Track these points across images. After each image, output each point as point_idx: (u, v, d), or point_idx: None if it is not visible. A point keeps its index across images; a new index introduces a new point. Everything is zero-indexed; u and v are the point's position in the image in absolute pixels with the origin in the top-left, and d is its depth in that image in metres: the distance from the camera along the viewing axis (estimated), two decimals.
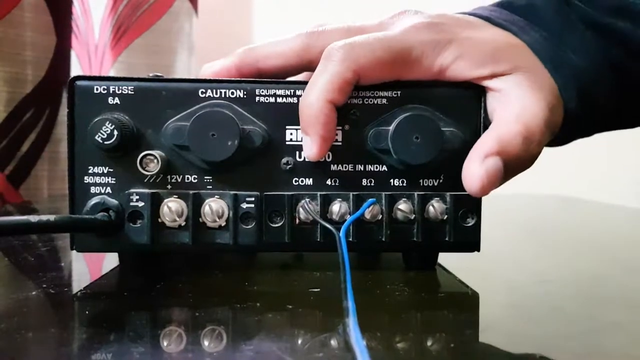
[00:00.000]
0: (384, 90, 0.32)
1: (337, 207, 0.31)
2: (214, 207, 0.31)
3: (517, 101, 0.32)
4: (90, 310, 0.27)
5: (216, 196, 0.31)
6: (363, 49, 0.30)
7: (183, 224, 0.31)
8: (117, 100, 0.31)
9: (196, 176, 0.32)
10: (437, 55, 0.32)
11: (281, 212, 0.32)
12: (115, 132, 0.30)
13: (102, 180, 0.31)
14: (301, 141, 0.32)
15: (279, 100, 0.32)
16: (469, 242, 0.33)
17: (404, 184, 0.32)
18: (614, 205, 0.84)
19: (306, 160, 0.32)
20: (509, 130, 0.31)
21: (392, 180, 0.32)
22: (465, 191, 0.32)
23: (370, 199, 0.31)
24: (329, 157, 0.32)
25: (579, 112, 0.34)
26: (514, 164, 0.31)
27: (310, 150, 0.31)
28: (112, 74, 0.89)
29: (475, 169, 0.30)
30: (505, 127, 0.31)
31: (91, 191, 0.31)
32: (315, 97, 0.30)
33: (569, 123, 0.34)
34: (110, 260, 0.35)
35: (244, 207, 0.31)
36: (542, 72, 0.33)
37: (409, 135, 0.31)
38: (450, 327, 0.25)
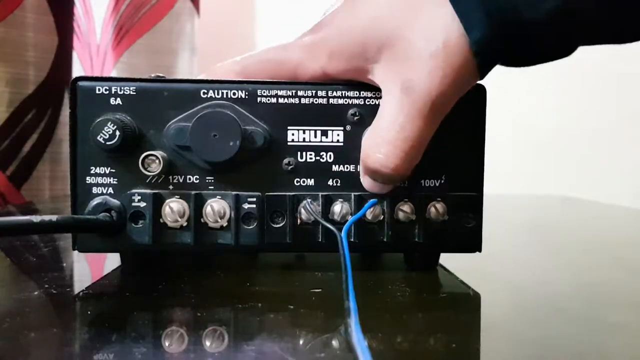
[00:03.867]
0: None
1: (338, 208, 0.31)
2: (216, 208, 0.31)
3: (381, 111, 0.30)
4: (92, 311, 0.27)
5: (218, 196, 0.31)
6: (252, 61, 0.33)
7: (185, 224, 0.31)
8: (119, 100, 0.31)
9: (198, 177, 0.32)
10: (314, 59, 0.31)
11: (283, 213, 0.32)
12: (117, 133, 0.30)
13: (104, 180, 0.31)
14: (302, 142, 0.32)
15: (281, 100, 0.32)
16: (470, 242, 0.33)
17: (406, 185, 0.32)
18: (615, 205, 0.84)
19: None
20: (368, 155, 0.30)
21: None
22: (466, 192, 0.32)
23: (371, 200, 0.31)
24: (330, 158, 0.32)
25: (500, 37, 0.28)
26: (392, 181, 0.30)
27: None
28: (113, 74, 0.89)
29: (361, 179, 0.32)
30: (365, 152, 0.30)
31: (93, 191, 0.31)
32: None
33: (501, 49, 0.29)
34: (112, 261, 0.35)
35: (246, 207, 0.31)
36: (424, 25, 0.28)
37: None
38: (452, 327, 0.25)
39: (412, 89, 0.28)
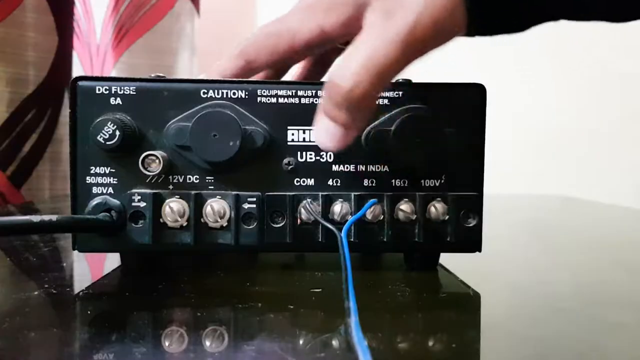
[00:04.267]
0: (385, 90, 0.32)
1: (338, 208, 0.31)
2: (216, 208, 0.31)
3: (358, 35, 0.29)
4: (92, 310, 0.27)
5: (218, 196, 0.31)
6: (251, 40, 0.34)
7: (185, 224, 0.31)
8: (119, 100, 0.31)
9: (198, 176, 0.32)
10: (311, 18, 0.32)
11: (283, 213, 0.32)
12: (117, 133, 0.30)
13: (104, 180, 0.31)
14: (302, 141, 0.32)
15: (281, 100, 0.32)
16: (471, 242, 0.33)
17: (405, 185, 0.32)
18: (615, 205, 0.84)
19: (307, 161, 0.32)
20: (332, 73, 0.29)
21: (393, 181, 0.32)
22: (467, 191, 0.32)
23: (371, 200, 0.31)
24: (330, 157, 0.32)
25: None
26: (351, 103, 0.28)
27: None
28: (113, 74, 0.89)
29: (314, 131, 0.30)
30: (330, 72, 0.29)
31: (93, 191, 0.31)
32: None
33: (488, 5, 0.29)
34: (112, 261, 0.35)
35: (246, 207, 0.31)
36: None
37: (410, 135, 0.31)
38: (452, 327, 0.25)
39: (392, 13, 0.28)
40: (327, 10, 0.32)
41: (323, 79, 0.31)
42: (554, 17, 0.32)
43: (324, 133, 0.29)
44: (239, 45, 0.35)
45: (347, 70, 0.28)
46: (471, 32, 0.31)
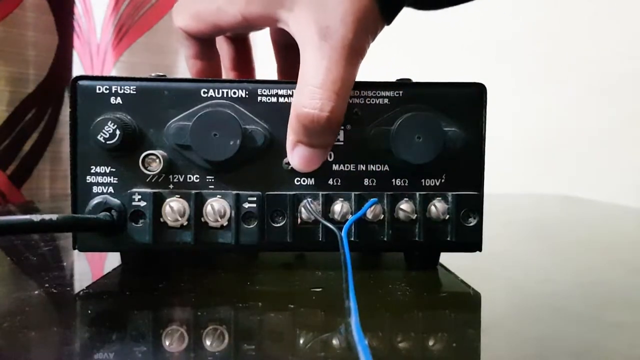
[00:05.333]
0: (385, 90, 0.32)
1: (339, 207, 0.31)
2: (216, 207, 0.31)
3: (304, 62, 0.30)
4: (93, 310, 0.27)
5: (218, 196, 0.31)
6: (180, 8, 0.35)
7: (185, 223, 0.31)
8: (119, 100, 0.31)
9: (198, 176, 0.32)
10: (232, 3, 0.32)
11: (283, 212, 0.32)
12: (118, 132, 0.30)
13: (105, 179, 0.31)
14: None
15: (281, 100, 0.32)
16: (471, 241, 0.33)
17: (406, 184, 0.32)
18: (615, 205, 0.84)
19: None
20: (303, 105, 0.30)
21: (393, 180, 0.32)
22: (467, 191, 0.32)
23: (372, 199, 0.31)
24: (330, 157, 0.32)
25: None
26: (330, 127, 0.30)
27: None
28: (114, 73, 0.89)
29: (290, 158, 0.31)
30: (297, 105, 0.30)
31: (93, 191, 0.31)
32: None
33: None
34: (112, 260, 0.35)
35: (246, 206, 0.31)
36: None
37: (411, 135, 0.31)
38: (452, 327, 0.25)
39: (329, 35, 0.29)
40: (247, 1, 0.32)
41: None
42: None
43: (303, 160, 0.31)
44: (172, 12, 0.36)
45: (315, 99, 0.29)
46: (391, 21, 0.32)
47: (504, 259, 0.41)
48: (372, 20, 0.30)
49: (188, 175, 0.32)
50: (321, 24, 0.30)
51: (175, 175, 0.32)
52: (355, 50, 0.30)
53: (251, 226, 0.31)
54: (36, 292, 0.29)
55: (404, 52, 1.07)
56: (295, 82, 0.32)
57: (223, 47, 0.40)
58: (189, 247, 0.31)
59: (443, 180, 0.33)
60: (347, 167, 0.32)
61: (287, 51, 0.41)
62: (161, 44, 0.92)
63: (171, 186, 0.32)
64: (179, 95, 0.31)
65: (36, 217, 0.27)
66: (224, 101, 0.32)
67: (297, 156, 0.31)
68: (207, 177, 0.32)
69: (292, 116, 0.30)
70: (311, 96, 0.29)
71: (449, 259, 0.35)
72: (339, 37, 0.29)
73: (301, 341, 0.22)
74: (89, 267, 0.37)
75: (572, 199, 0.93)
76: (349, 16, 0.30)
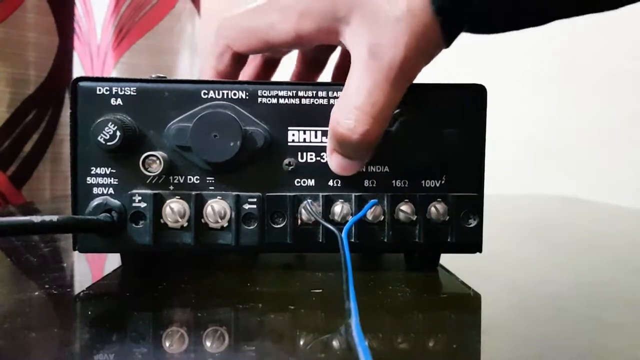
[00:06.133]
0: None
1: (339, 208, 0.31)
2: (216, 208, 0.31)
3: (350, 77, 0.29)
4: (93, 311, 0.27)
5: (218, 197, 0.31)
6: (230, 23, 0.34)
7: (185, 224, 0.31)
8: (119, 101, 0.31)
9: (198, 177, 0.32)
10: (285, 20, 0.31)
11: (283, 213, 0.32)
12: (118, 133, 0.30)
13: (105, 181, 0.31)
14: (302, 142, 0.32)
15: (281, 101, 0.32)
16: (471, 243, 0.33)
17: (406, 185, 0.32)
18: (615, 205, 0.84)
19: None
20: (337, 121, 0.29)
21: (393, 181, 0.32)
22: (467, 192, 0.32)
23: (372, 200, 0.31)
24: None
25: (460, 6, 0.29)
26: (361, 148, 0.29)
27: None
28: (114, 75, 0.89)
29: (328, 160, 0.31)
30: (333, 119, 0.30)
31: (94, 192, 0.31)
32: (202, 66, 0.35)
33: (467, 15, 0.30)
34: (112, 261, 0.35)
35: (246, 207, 0.31)
36: None
37: (410, 136, 0.31)
38: (452, 328, 0.25)
39: (379, 54, 0.28)
40: (301, 15, 0.31)
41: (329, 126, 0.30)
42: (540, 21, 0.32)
43: (338, 166, 0.31)
44: (219, 28, 0.35)
45: (350, 119, 0.29)
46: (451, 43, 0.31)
47: (504, 260, 0.41)
48: (431, 42, 0.29)
49: (188, 177, 0.32)
50: (373, 41, 0.29)
51: (175, 177, 0.32)
52: (403, 74, 0.29)
53: (251, 227, 0.31)
54: (36, 293, 0.29)
55: None
56: (295, 84, 0.32)
57: (250, 65, 0.39)
58: (189, 248, 0.31)
59: (443, 182, 0.33)
60: None
61: (311, 64, 0.40)
62: (161, 46, 0.92)
63: (171, 187, 0.32)
64: (180, 96, 0.31)
65: (36, 218, 0.27)
66: (224, 102, 0.32)
67: (333, 162, 0.31)
68: (208, 178, 0.32)
69: (329, 127, 0.30)
70: (347, 115, 0.29)
71: (449, 260, 0.35)
72: (388, 58, 0.28)
73: (301, 342, 0.22)
74: (89, 268, 0.37)
75: (572, 200, 0.93)
76: (403, 36, 0.28)
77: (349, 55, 0.32)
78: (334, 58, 0.41)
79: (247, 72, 0.39)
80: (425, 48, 0.29)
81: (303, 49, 0.34)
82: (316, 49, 0.37)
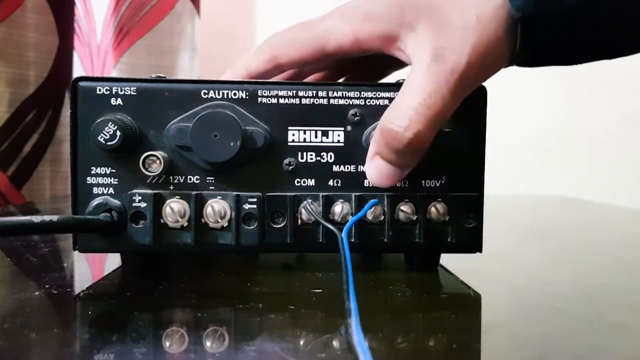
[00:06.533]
0: (386, 90, 0.32)
1: (339, 208, 0.31)
2: (217, 208, 0.31)
3: (408, 79, 0.29)
4: (93, 311, 0.27)
5: (218, 197, 0.31)
6: (281, 33, 0.34)
7: (185, 224, 0.31)
8: (119, 101, 0.31)
9: (198, 177, 0.32)
10: (346, 21, 0.31)
11: (283, 213, 0.32)
12: (118, 133, 0.30)
13: (105, 180, 0.31)
14: (302, 142, 0.32)
15: (281, 101, 0.32)
16: (471, 243, 0.33)
17: (406, 185, 0.32)
18: (615, 205, 0.84)
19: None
20: (390, 121, 0.29)
21: None
22: (467, 192, 0.32)
23: (372, 200, 0.31)
24: (331, 158, 0.32)
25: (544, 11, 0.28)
26: (411, 149, 0.29)
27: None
28: (114, 75, 0.89)
29: (367, 167, 0.31)
30: (385, 119, 0.29)
31: (94, 192, 0.31)
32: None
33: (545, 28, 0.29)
34: (112, 261, 0.35)
35: (246, 207, 0.31)
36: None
37: None
38: (452, 328, 0.25)
39: (443, 57, 0.28)
40: (365, 19, 0.31)
41: (378, 123, 0.30)
42: (609, 54, 0.31)
43: (377, 173, 0.30)
44: (269, 38, 0.34)
45: (404, 118, 0.28)
46: (514, 63, 0.31)
47: (504, 260, 0.41)
48: (497, 55, 0.29)
49: (188, 176, 0.32)
50: (438, 45, 0.28)
51: (175, 176, 0.32)
52: (463, 82, 0.28)
53: (251, 227, 0.31)
54: (36, 293, 0.29)
55: None
56: (295, 84, 0.32)
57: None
58: (189, 248, 0.31)
59: (443, 182, 0.33)
60: (348, 168, 0.32)
61: (335, 71, 0.39)
62: (161, 45, 0.92)
63: (171, 187, 0.32)
64: (180, 96, 0.31)
65: (36, 218, 0.27)
66: (224, 102, 0.32)
67: (373, 167, 0.30)
68: (208, 178, 0.32)
69: (378, 128, 0.30)
70: (401, 115, 0.28)
71: (449, 260, 0.35)
72: (451, 61, 0.28)
73: (301, 342, 0.22)
74: (89, 268, 0.37)
75: (572, 200, 0.93)
76: (470, 42, 0.28)
77: (374, 66, 0.32)
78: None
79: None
80: (488, 58, 0.29)
81: (354, 56, 0.33)
82: (348, 62, 0.37)
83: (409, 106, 0.28)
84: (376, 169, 0.30)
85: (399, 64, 0.35)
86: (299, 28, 0.33)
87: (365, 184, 0.32)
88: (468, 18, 0.28)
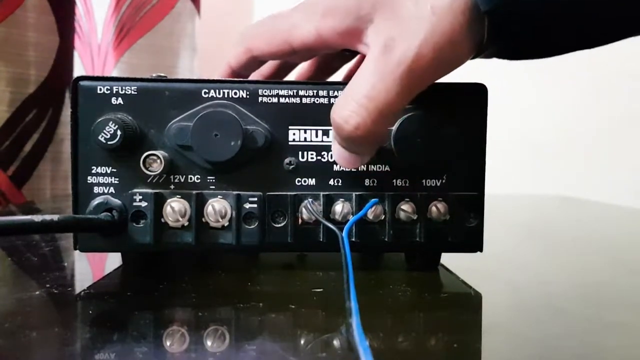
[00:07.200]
0: None
1: (339, 207, 0.31)
2: (217, 207, 0.31)
3: (359, 70, 0.28)
4: (94, 310, 0.27)
5: (219, 196, 0.31)
6: (253, 26, 0.34)
7: (186, 224, 0.31)
8: (120, 100, 0.31)
9: (199, 176, 0.32)
10: (308, 18, 0.31)
11: (284, 212, 0.32)
12: (119, 132, 0.30)
13: (105, 180, 0.31)
14: (303, 142, 0.32)
15: (282, 100, 0.32)
16: (472, 242, 0.33)
17: (407, 184, 0.32)
18: (615, 205, 0.84)
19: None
20: (334, 110, 0.29)
21: (394, 181, 0.32)
22: (468, 191, 0.32)
23: (372, 199, 0.31)
24: (331, 158, 0.32)
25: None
26: (356, 141, 0.29)
27: None
28: (114, 74, 0.89)
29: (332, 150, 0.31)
30: (333, 108, 0.29)
31: (94, 191, 0.31)
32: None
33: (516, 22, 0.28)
34: (113, 260, 0.35)
35: (247, 207, 0.31)
36: None
37: (411, 135, 0.31)
38: (453, 327, 0.25)
39: (390, 47, 0.27)
40: (325, 15, 0.30)
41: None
42: (588, 44, 0.31)
43: (337, 156, 0.31)
44: (242, 30, 0.34)
45: (346, 111, 0.28)
46: (480, 56, 0.30)
47: (505, 259, 0.41)
48: (455, 47, 0.28)
49: (189, 176, 0.32)
50: (388, 35, 0.28)
51: (176, 176, 0.32)
52: (412, 74, 0.27)
53: (252, 226, 0.31)
54: (37, 292, 0.29)
55: None
56: (296, 84, 0.32)
57: (265, 65, 0.38)
58: (189, 247, 0.31)
59: (444, 181, 0.33)
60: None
61: (321, 70, 0.40)
62: (162, 45, 0.92)
63: (172, 187, 0.32)
64: (180, 95, 0.31)
65: (37, 218, 0.27)
66: (225, 102, 0.32)
67: (334, 151, 0.31)
68: (208, 177, 0.32)
69: (331, 111, 0.29)
70: (344, 106, 0.28)
71: (449, 260, 0.35)
72: (398, 53, 0.27)
73: (302, 342, 0.22)
74: (89, 268, 0.37)
75: (572, 200, 0.93)
76: (420, 33, 0.27)
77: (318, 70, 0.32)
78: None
79: (260, 71, 0.39)
80: (443, 51, 0.27)
81: (321, 53, 0.33)
82: (330, 56, 0.37)
83: (352, 97, 0.28)
84: (335, 153, 0.31)
85: None
86: (269, 21, 0.33)
87: (365, 183, 0.32)
88: (422, 9, 0.27)
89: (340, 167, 0.32)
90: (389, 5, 0.28)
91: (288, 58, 0.34)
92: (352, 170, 0.32)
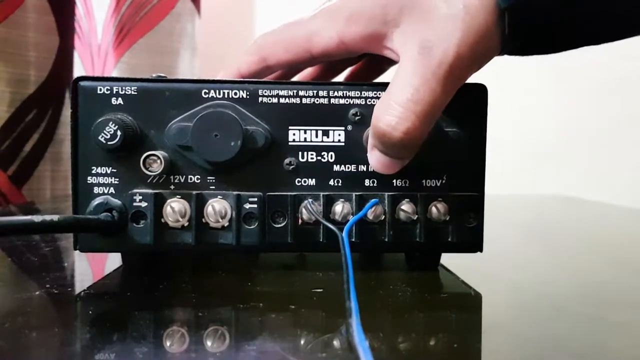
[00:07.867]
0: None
1: (339, 208, 0.31)
2: (217, 208, 0.31)
3: (396, 74, 0.29)
4: (94, 310, 0.27)
5: (219, 196, 0.31)
6: (268, 35, 0.34)
7: (186, 224, 0.31)
8: (120, 100, 0.31)
9: (199, 176, 0.32)
10: (331, 24, 0.31)
11: (284, 213, 0.32)
12: (119, 133, 0.30)
13: (106, 180, 0.31)
14: (303, 141, 0.32)
15: (282, 100, 0.32)
16: (472, 242, 0.33)
17: (407, 185, 0.32)
18: (615, 205, 0.84)
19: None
20: (378, 119, 0.28)
21: (394, 181, 0.32)
22: (468, 192, 0.32)
23: (373, 200, 0.31)
24: (331, 158, 0.32)
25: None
26: (403, 146, 0.29)
27: None
28: (114, 74, 0.89)
29: (368, 157, 0.31)
30: (375, 116, 0.29)
31: (94, 191, 0.31)
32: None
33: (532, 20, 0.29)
34: (113, 261, 0.35)
35: (247, 207, 0.31)
36: None
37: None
38: (453, 327, 0.25)
39: (429, 49, 0.28)
40: (348, 21, 0.30)
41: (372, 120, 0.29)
42: (596, 40, 0.31)
43: (376, 163, 0.30)
44: (257, 39, 0.34)
45: (391, 117, 0.28)
46: (504, 52, 0.30)
47: (505, 259, 0.41)
48: (487, 45, 0.28)
49: (189, 176, 0.32)
50: (423, 37, 0.28)
51: (176, 176, 0.32)
52: (453, 73, 0.28)
53: (252, 227, 0.31)
54: (37, 292, 0.29)
55: None
56: (296, 84, 0.32)
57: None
58: (189, 247, 0.31)
59: (444, 181, 0.33)
60: (348, 167, 0.32)
61: (326, 72, 0.39)
62: (162, 45, 0.92)
63: (172, 187, 0.32)
64: (180, 96, 0.31)
65: (37, 218, 0.27)
66: (225, 102, 0.32)
67: (372, 159, 0.30)
68: (208, 177, 0.32)
69: (371, 124, 0.29)
70: (389, 112, 0.28)
71: (449, 260, 0.35)
72: (439, 54, 0.27)
73: (302, 342, 0.22)
74: (89, 268, 0.37)
75: (573, 200, 0.93)
76: (457, 32, 0.27)
77: (371, 63, 0.31)
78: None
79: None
80: (478, 49, 0.28)
81: (340, 58, 0.33)
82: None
83: (397, 102, 0.28)
84: (376, 160, 0.30)
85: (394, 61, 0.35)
86: (286, 29, 0.33)
87: (366, 184, 0.32)
88: (455, 8, 0.28)
89: (372, 169, 0.31)
90: (417, 7, 0.29)
91: (303, 65, 0.34)
92: (353, 170, 0.32)
